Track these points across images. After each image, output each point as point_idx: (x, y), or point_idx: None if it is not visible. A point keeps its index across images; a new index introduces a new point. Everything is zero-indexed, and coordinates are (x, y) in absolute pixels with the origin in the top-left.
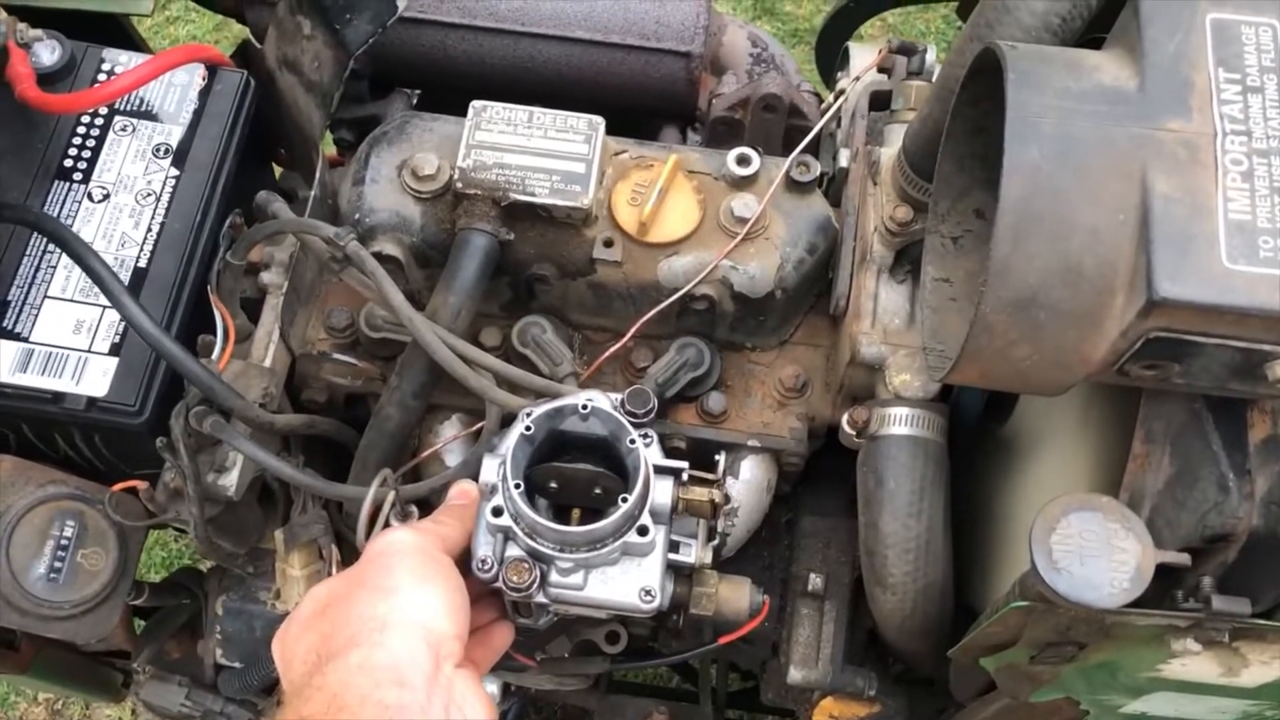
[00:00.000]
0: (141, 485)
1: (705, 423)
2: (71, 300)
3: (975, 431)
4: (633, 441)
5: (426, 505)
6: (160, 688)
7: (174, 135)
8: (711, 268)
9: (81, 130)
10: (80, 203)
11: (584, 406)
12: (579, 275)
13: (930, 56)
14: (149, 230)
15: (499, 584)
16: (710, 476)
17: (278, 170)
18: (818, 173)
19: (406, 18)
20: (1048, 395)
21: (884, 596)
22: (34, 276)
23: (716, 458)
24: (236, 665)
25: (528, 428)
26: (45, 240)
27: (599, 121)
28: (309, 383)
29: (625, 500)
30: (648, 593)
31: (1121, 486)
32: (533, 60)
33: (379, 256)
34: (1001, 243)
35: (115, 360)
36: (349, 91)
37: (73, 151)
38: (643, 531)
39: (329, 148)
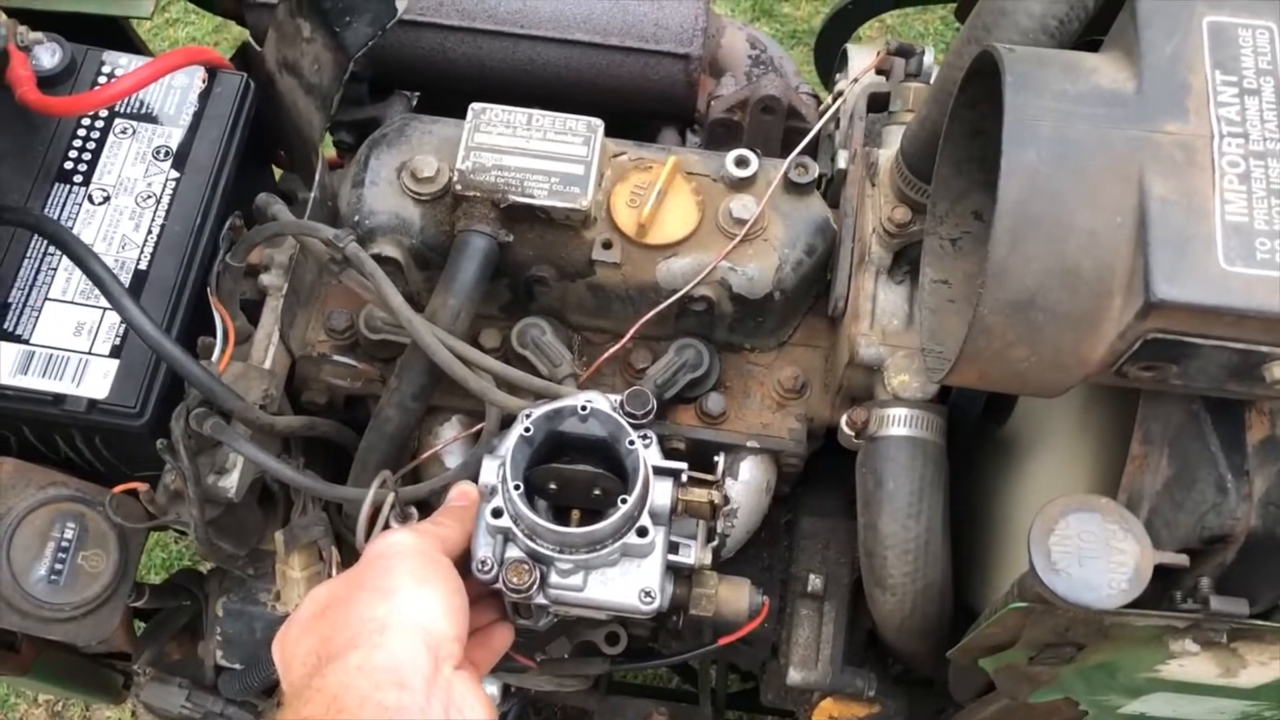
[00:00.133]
0: (142, 487)
1: (704, 424)
2: (72, 302)
3: (974, 432)
4: (632, 443)
5: (426, 507)
6: (161, 689)
7: (174, 138)
8: (710, 269)
9: (82, 133)
10: (80, 205)
11: (583, 408)
12: (578, 277)
13: (928, 58)
14: (149, 232)
15: (499, 585)
16: (709, 478)
17: (277, 172)
18: (816, 174)
19: (406, 20)
20: (1046, 397)
21: (883, 597)
22: (35, 279)
23: (716, 459)
24: (237, 667)
25: (527, 429)
26: (46, 243)
27: (598, 123)
28: (309, 384)
29: (624, 501)
30: (647, 594)
31: (1120, 488)
32: (532, 63)
33: (378, 258)
34: (999, 245)
35: (116, 362)
36: (348, 94)
37: (73, 154)
38: (642, 533)
39: (328, 150)
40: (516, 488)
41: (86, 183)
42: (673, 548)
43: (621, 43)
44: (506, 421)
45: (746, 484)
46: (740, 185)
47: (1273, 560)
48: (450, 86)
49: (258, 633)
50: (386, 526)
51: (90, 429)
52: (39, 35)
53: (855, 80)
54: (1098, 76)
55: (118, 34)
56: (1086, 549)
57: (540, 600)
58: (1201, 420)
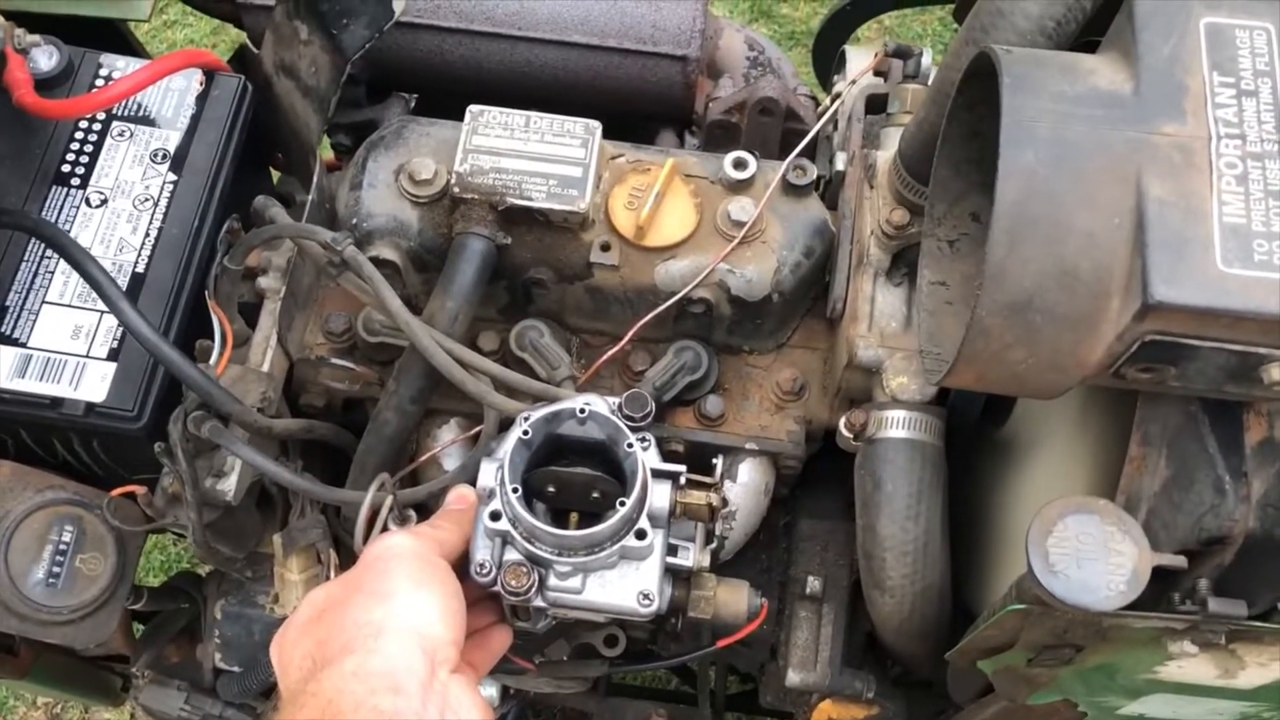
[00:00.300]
0: (140, 490)
1: (703, 426)
2: (69, 305)
3: (973, 434)
4: (630, 445)
5: (424, 509)
6: (159, 692)
7: (171, 140)
8: (708, 271)
9: (79, 135)
10: (78, 208)
11: (581, 410)
12: (576, 279)
13: (926, 60)
14: (147, 235)
15: (497, 588)
16: (708, 480)
17: (275, 175)
18: (814, 176)
19: (403, 22)
20: (1044, 398)
21: (882, 599)
22: (32, 282)
23: (714, 461)
24: (235, 669)
25: (525, 432)
26: (43, 246)
27: (596, 125)
28: (307, 387)
29: (623, 504)
30: (646, 596)
31: (1118, 489)
32: (530, 65)
33: (376, 261)
34: (997, 246)
35: (113, 365)
36: (346, 96)
37: (70, 157)
38: (640, 535)
39: (326, 152)
40: (515, 490)
41: (84, 185)
42: (671, 550)
43: (619, 44)
44: (505, 424)
45: (745, 486)
46: (738, 187)
47: (1271, 561)
48: (448, 89)
49: (256, 635)
50: (384, 529)
51: (88, 432)
52: (36, 38)
53: (853, 82)
54: (1095, 78)
55: (115, 36)
56: (1085, 551)
57: (538, 603)
58: (1200, 422)
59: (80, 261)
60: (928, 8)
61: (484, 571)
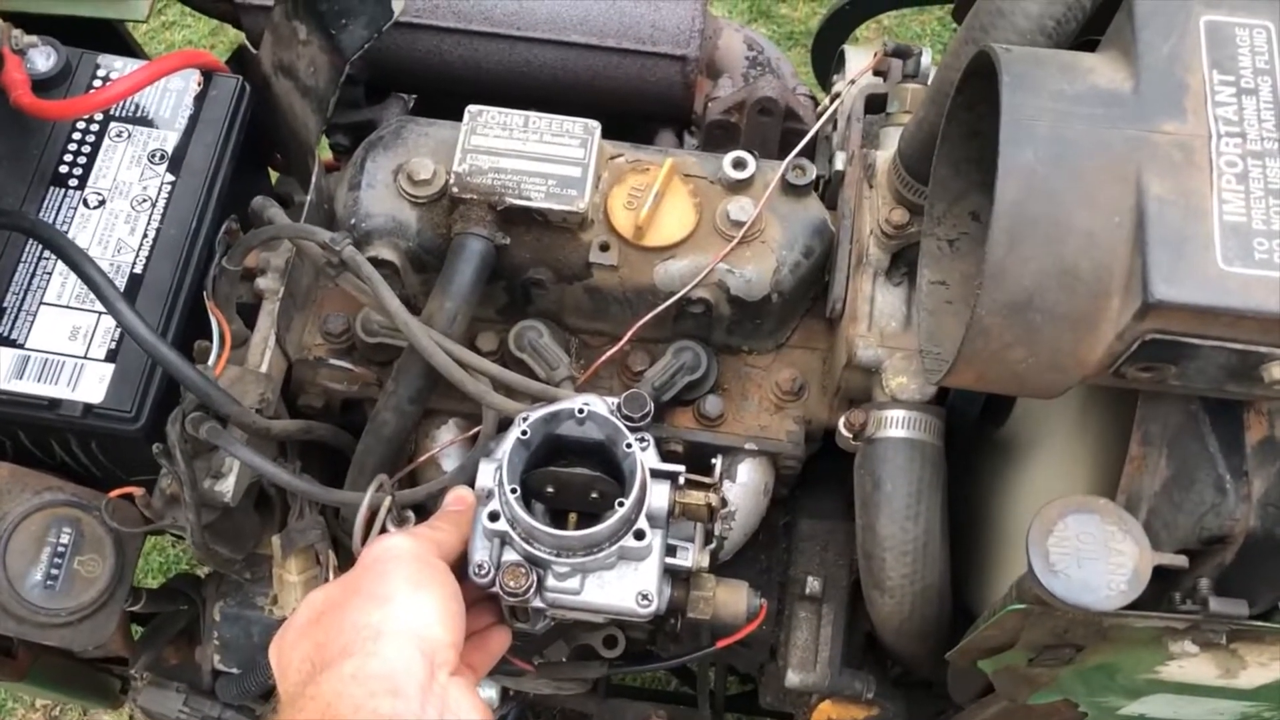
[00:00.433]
0: (138, 492)
1: (702, 426)
2: (67, 307)
3: (972, 434)
4: (629, 445)
5: (423, 510)
6: (158, 694)
7: (169, 141)
8: (708, 271)
9: (77, 136)
10: (76, 209)
11: (580, 411)
12: (575, 279)
13: (926, 59)
14: (145, 236)
15: (496, 589)
16: (707, 480)
17: (274, 175)
18: (813, 176)
19: (402, 23)
20: (1044, 398)
21: (882, 599)
22: (30, 283)
23: (713, 461)
24: (234, 671)
25: (524, 432)
26: (41, 247)
27: (595, 125)
28: (305, 388)
29: (622, 504)
30: (645, 597)
31: (1118, 489)
32: (528, 64)
33: (375, 261)
34: (997, 246)
35: (111, 366)
36: (345, 96)
37: (68, 158)
38: (639, 536)
39: (325, 153)
40: (513, 491)
41: (82, 186)
42: (670, 550)
43: (618, 44)
44: (504, 425)
45: (744, 486)
46: (738, 187)
47: (1272, 561)
48: (447, 89)
49: (255, 637)
50: (383, 530)
51: (86, 433)
52: (34, 38)
53: (853, 81)
54: (1095, 76)
55: (113, 37)
56: (1085, 550)
57: (537, 604)
58: (1200, 421)
59: (78, 262)
60: (926, 7)
61: (482, 572)
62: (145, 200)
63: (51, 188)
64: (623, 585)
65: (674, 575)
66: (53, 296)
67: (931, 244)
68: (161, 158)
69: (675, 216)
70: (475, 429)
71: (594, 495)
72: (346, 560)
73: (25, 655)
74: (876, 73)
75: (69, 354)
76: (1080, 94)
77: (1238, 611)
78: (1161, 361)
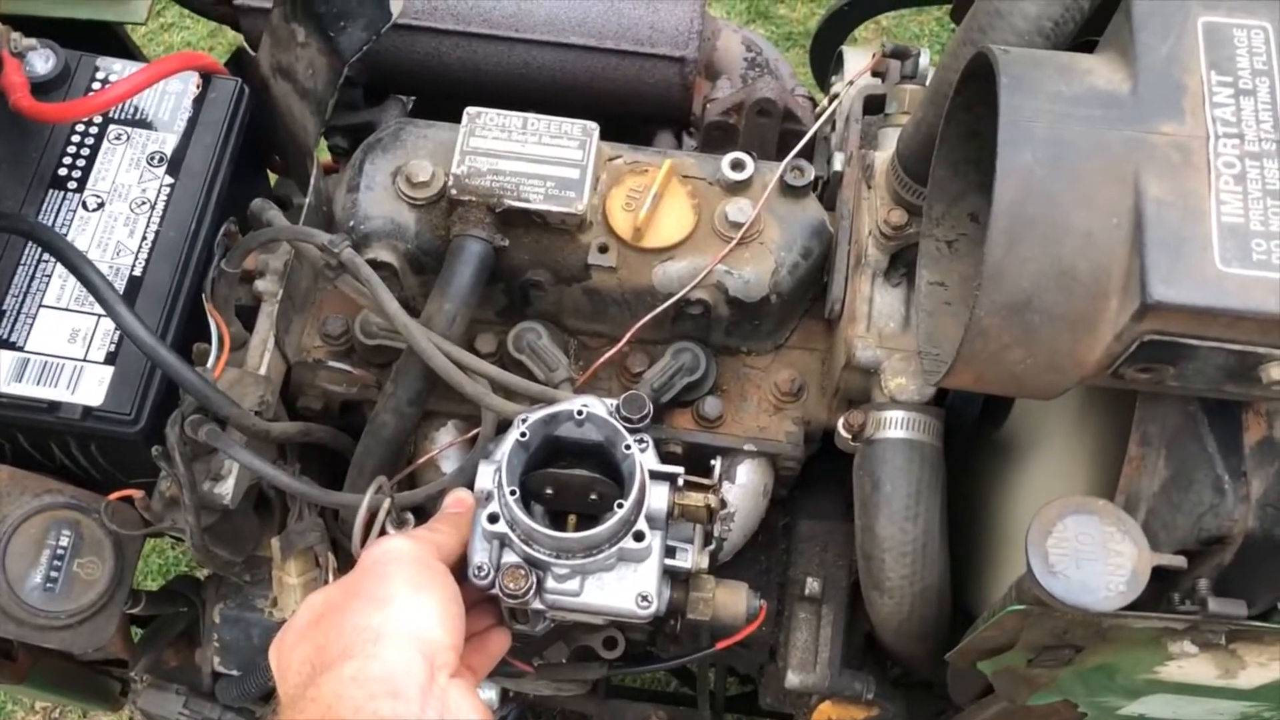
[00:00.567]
0: (137, 494)
1: (701, 427)
2: (67, 309)
3: (971, 435)
4: (628, 447)
5: (422, 512)
6: (158, 696)
7: (168, 143)
8: (706, 273)
9: (76, 139)
10: (75, 211)
11: (579, 412)
12: (574, 281)
13: (924, 60)
14: (144, 239)
15: (495, 591)
16: (706, 481)
17: (272, 178)
18: (812, 177)
19: (400, 24)
20: (1043, 399)
21: (881, 600)
22: (29, 285)
23: (713, 462)
24: (234, 673)
25: (523, 434)
26: (40, 249)
27: (593, 127)
28: (304, 390)
29: (621, 506)
30: (644, 598)
31: (1117, 489)
32: (527, 66)
33: (374, 263)
34: (995, 247)
35: (110, 369)
36: (343, 98)
37: (67, 160)
38: (639, 537)
39: (324, 155)
40: (513, 493)
41: (81, 189)
42: (670, 552)
43: (617, 46)
44: (502, 426)
45: (744, 487)
46: (736, 188)
47: (1271, 561)
48: (445, 91)
49: (255, 639)
50: (382, 532)
51: (85, 436)
52: (32, 41)
53: (851, 82)
54: (1093, 78)
55: (112, 39)
56: (1084, 551)
57: (537, 605)
58: (1199, 422)
59: (77, 265)
60: (925, 8)
61: (482, 574)
62: (144, 202)
63: (51, 190)
64: (622, 587)
65: (673, 576)
66: (52, 299)
67: (930, 245)
68: (160, 160)
69: (674, 218)
70: (474, 431)
71: (593, 497)
72: (346, 562)
73: (25, 658)
74: (875, 74)
75: (68, 356)
76: (1078, 95)
77: (1237, 612)
78: (1160, 362)
